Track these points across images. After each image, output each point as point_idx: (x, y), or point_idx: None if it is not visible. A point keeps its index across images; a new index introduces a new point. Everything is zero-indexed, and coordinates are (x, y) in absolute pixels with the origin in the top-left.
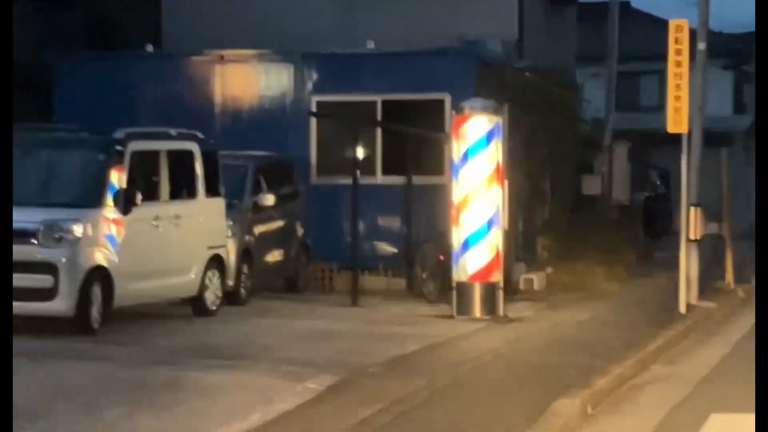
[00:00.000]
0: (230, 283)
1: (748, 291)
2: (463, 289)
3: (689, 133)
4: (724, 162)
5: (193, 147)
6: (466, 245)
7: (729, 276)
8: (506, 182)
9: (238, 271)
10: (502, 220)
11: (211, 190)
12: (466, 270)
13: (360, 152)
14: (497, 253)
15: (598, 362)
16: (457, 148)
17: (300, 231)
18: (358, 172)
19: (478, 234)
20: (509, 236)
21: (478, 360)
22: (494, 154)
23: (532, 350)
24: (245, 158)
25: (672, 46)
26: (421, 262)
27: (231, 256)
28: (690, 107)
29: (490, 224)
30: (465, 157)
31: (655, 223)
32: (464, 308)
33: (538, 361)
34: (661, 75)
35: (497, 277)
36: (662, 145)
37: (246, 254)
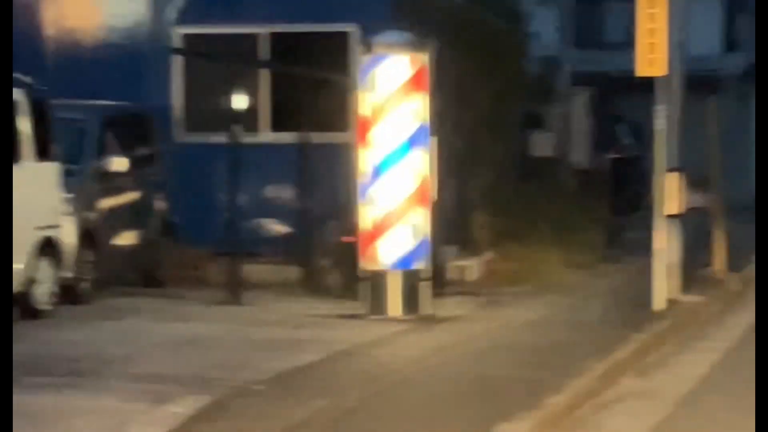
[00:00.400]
0: (68, 274)
1: (745, 281)
2: (378, 280)
3: (667, 77)
4: (712, 114)
5: (16, 95)
6: (377, 172)
7: (719, 262)
8: (434, 139)
9: (79, 260)
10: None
11: (41, 153)
12: (378, 207)
13: (240, 102)
14: (424, 182)
15: (551, 375)
16: (363, 53)
17: (162, 205)
18: (238, 128)
19: (395, 155)
20: (436, 211)
21: (397, 374)
22: (418, 57)
23: (467, 360)
24: (87, 110)
25: None
26: (322, 245)
27: (68, 239)
28: (668, 44)
29: (411, 143)
30: (378, 59)
31: (625, 194)
32: (379, 305)
33: (475, 374)
34: (632, 2)
35: (423, 220)
36: (633, 93)
37: (89, 237)
